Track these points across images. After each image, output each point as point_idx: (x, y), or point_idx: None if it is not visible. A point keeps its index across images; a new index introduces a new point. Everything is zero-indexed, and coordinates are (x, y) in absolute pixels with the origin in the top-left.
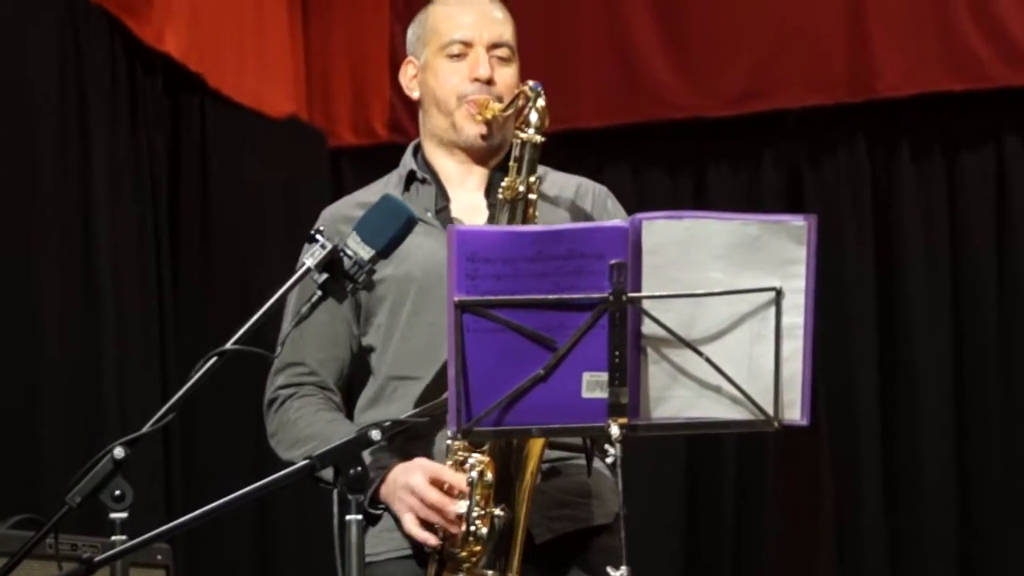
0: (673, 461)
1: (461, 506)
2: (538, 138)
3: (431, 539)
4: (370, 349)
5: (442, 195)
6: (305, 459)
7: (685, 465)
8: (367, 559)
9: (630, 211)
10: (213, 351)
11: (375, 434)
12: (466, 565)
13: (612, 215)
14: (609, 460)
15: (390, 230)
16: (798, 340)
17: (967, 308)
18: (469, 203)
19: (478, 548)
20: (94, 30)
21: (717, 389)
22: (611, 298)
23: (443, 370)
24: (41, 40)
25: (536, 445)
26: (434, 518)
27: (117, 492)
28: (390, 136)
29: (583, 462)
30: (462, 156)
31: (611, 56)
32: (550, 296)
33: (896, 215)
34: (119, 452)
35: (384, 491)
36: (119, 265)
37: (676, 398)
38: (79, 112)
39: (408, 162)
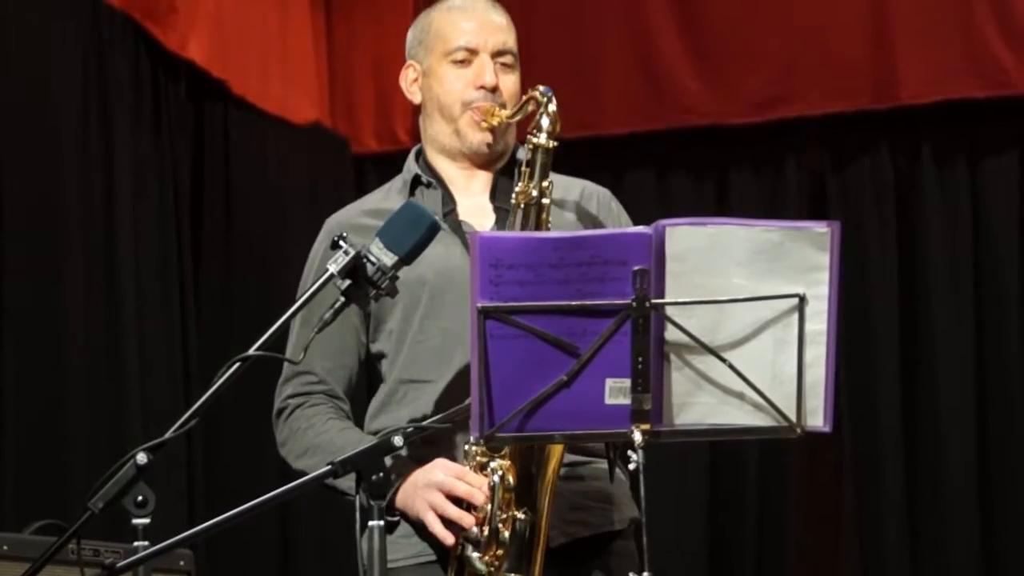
0: (696, 466)
1: (481, 497)
2: (551, 143)
3: (449, 537)
4: (380, 356)
5: (448, 199)
6: (327, 465)
7: (708, 470)
8: (391, 564)
9: (652, 218)
10: (236, 357)
11: (397, 440)
12: (489, 569)
13: (617, 217)
14: (632, 466)
15: (413, 236)
16: (821, 347)
17: (989, 314)
18: (475, 206)
19: (500, 552)
20: (118, 37)
21: (740, 396)
22: (634, 304)
23: (457, 374)
24: (65, 47)
25: (557, 447)
26: (453, 511)
27: (140, 498)
28: (413, 142)
29: (600, 466)
30: (465, 162)
31: (634, 63)
32: (573, 302)
33: (919, 222)
34: (142, 458)
35: (401, 496)
36: (142, 271)
37: (699, 404)
38: (103, 118)
39: (411, 167)
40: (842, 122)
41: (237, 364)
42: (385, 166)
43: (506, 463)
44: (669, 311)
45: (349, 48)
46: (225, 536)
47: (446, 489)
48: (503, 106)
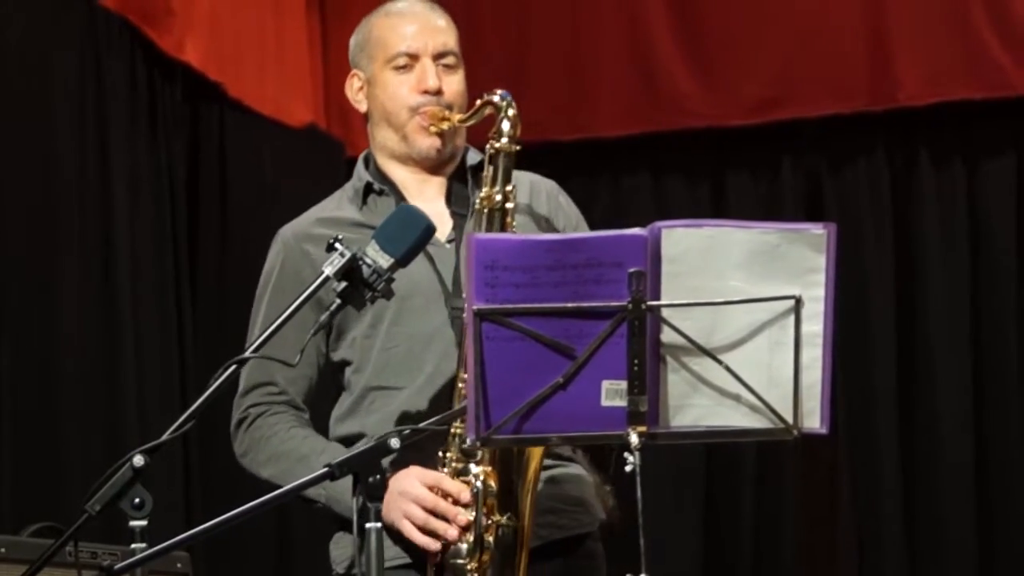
0: (693, 468)
1: (465, 518)
2: (513, 147)
3: (434, 545)
4: (344, 363)
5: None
6: (325, 467)
7: (704, 472)
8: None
9: (649, 220)
10: (232, 359)
11: (394, 442)
12: None
13: (567, 211)
14: (628, 468)
15: (409, 239)
16: (817, 348)
17: (987, 315)
18: (431, 211)
19: (486, 558)
20: (115, 39)
21: (736, 397)
22: (630, 306)
23: (426, 379)
24: (62, 49)
25: (536, 450)
26: (436, 525)
27: (137, 500)
28: None
29: (572, 471)
30: (416, 167)
31: (631, 65)
32: (569, 304)
33: (916, 223)
34: (139, 460)
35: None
36: (138, 273)
37: (695, 406)
38: (99, 121)
39: (362, 174)
40: (839, 124)
41: (233, 366)
42: None
43: (488, 469)
44: (665, 313)
45: (344, 51)
46: (222, 538)
47: (427, 506)
48: (449, 107)
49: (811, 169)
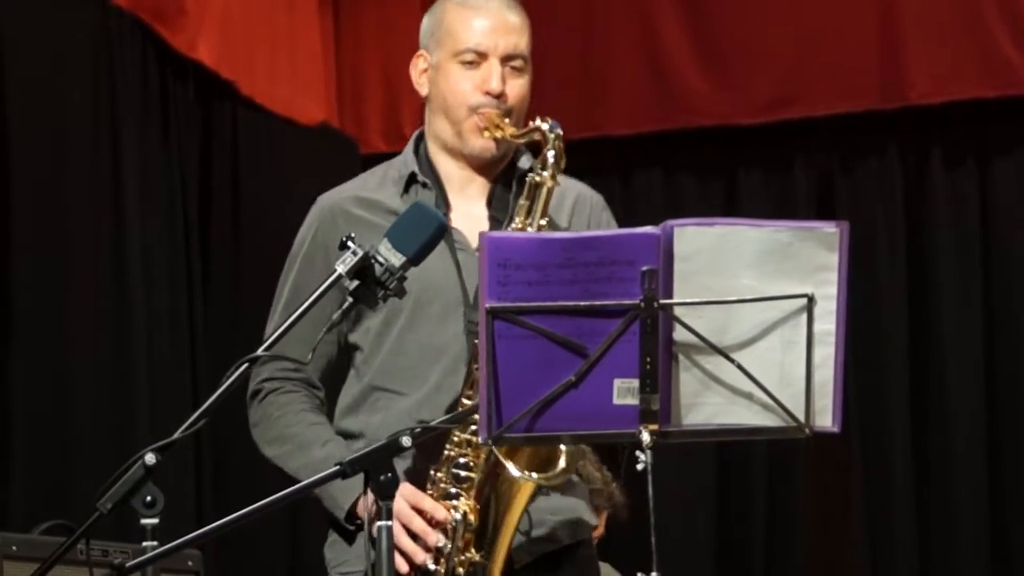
0: (704, 466)
1: (440, 540)
2: (552, 183)
3: (404, 566)
4: (355, 347)
5: (443, 202)
6: (336, 464)
7: (716, 470)
8: (342, 570)
9: (661, 218)
10: (244, 358)
11: (406, 440)
12: None
13: (607, 227)
14: (640, 467)
15: (421, 237)
16: (830, 347)
17: (999, 313)
18: (470, 213)
19: None
20: (127, 38)
21: (748, 396)
22: (642, 304)
23: (430, 390)
24: (74, 47)
25: (524, 494)
26: (407, 545)
27: (148, 498)
28: None
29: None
30: (464, 163)
31: (642, 64)
32: (581, 303)
33: (928, 222)
34: (150, 458)
35: (362, 507)
36: (150, 272)
37: (707, 405)
38: (111, 119)
39: (410, 161)
40: (851, 122)
41: (246, 365)
42: None
43: (471, 503)
44: (677, 311)
45: (357, 49)
46: (234, 536)
47: (403, 520)
48: (508, 112)
49: (823, 167)
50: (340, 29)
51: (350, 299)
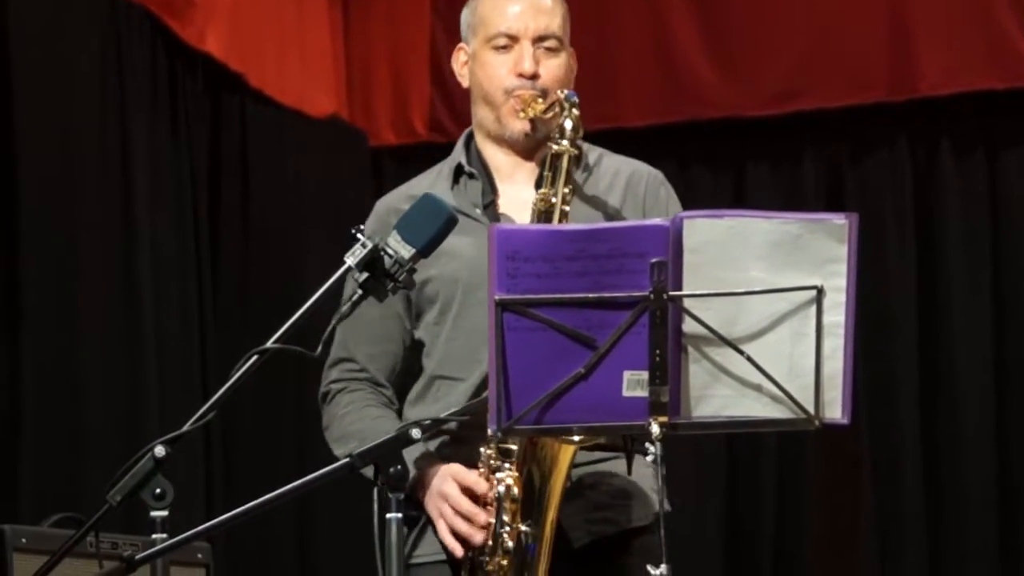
0: (714, 459)
1: (484, 518)
2: (572, 150)
3: (459, 548)
4: (420, 344)
5: (490, 189)
6: (345, 457)
7: (726, 463)
8: (411, 560)
9: None
10: (254, 350)
11: (415, 433)
12: None
13: (665, 204)
14: (649, 458)
15: (430, 229)
16: (839, 338)
17: (1009, 306)
18: (518, 197)
19: (505, 562)
20: (136, 30)
21: (758, 388)
22: (652, 296)
23: (482, 374)
24: (83, 40)
25: (564, 458)
26: (462, 527)
27: (158, 490)
28: (430, 135)
29: (622, 462)
30: (509, 149)
31: (653, 55)
32: (591, 295)
33: (938, 214)
34: (160, 450)
35: (421, 495)
36: (160, 265)
37: (717, 397)
38: (120, 112)
39: (458, 153)
40: (860, 114)
41: (255, 357)
42: (402, 159)
43: (513, 474)
44: (687, 303)
45: (366, 41)
46: (243, 529)
47: (453, 504)
48: (544, 93)
49: (832, 159)
50: (349, 21)
51: (359, 291)
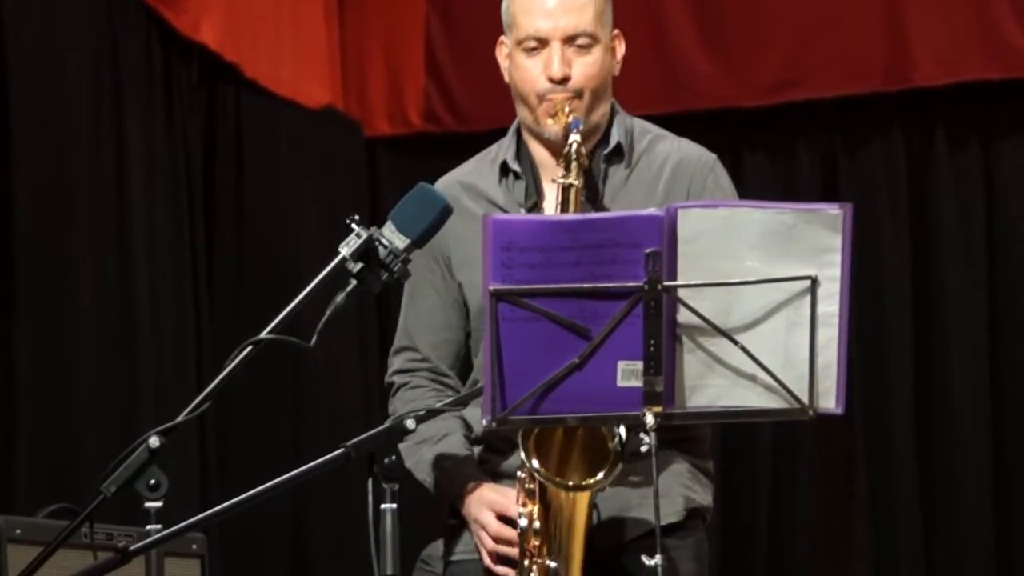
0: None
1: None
2: (577, 181)
3: (510, 573)
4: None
5: (535, 190)
6: (341, 447)
7: (720, 453)
8: (451, 558)
9: None
10: (248, 340)
11: (410, 423)
12: None
13: (712, 194)
14: (644, 448)
15: (425, 219)
16: (833, 328)
17: (1003, 296)
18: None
19: None
20: (130, 20)
21: (752, 378)
22: (646, 287)
23: None
24: (77, 30)
25: (583, 500)
26: (506, 551)
27: (152, 481)
28: (425, 126)
29: (643, 461)
30: (550, 149)
31: (647, 46)
32: (585, 285)
33: (932, 204)
34: (154, 441)
35: (463, 507)
36: (154, 255)
37: (711, 387)
38: (115, 102)
39: (507, 145)
40: (855, 104)
41: (249, 348)
42: (398, 149)
43: (536, 507)
44: (681, 293)
45: (362, 31)
46: (238, 520)
47: (492, 533)
48: (579, 93)
49: (827, 149)
50: (344, 11)
51: (353, 282)
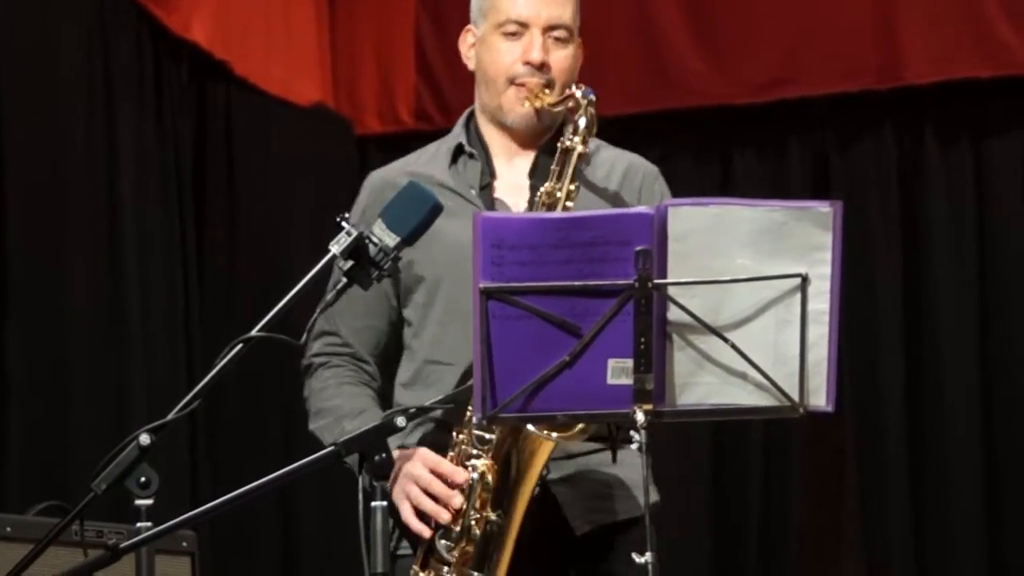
0: (698, 447)
1: (459, 501)
2: (583, 148)
3: (426, 531)
4: (406, 322)
5: (488, 171)
6: (331, 445)
7: (710, 451)
8: (397, 552)
9: None
10: (239, 338)
11: (400, 420)
12: (454, 563)
13: (659, 199)
14: (634, 446)
15: (415, 217)
16: (824, 326)
17: (994, 294)
18: (514, 182)
19: (470, 548)
20: (121, 18)
21: (743, 375)
22: (636, 284)
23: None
24: (68, 28)
25: (542, 454)
26: (429, 505)
27: (143, 479)
28: (416, 123)
29: (620, 452)
30: (509, 134)
31: (638, 43)
32: (575, 282)
33: (923, 202)
34: (145, 439)
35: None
36: (146, 253)
37: (702, 384)
38: (106, 100)
39: (458, 133)
40: (846, 102)
41: (240, 345)
42: (388, 147)
43: (489, 463)
44: (672, 291)
45: (352, 28)
46: (228, 517)
47: (423, 485)
48: (550, 83)
49: (818, 147)
50: (335, 8)
51: (344, 280)
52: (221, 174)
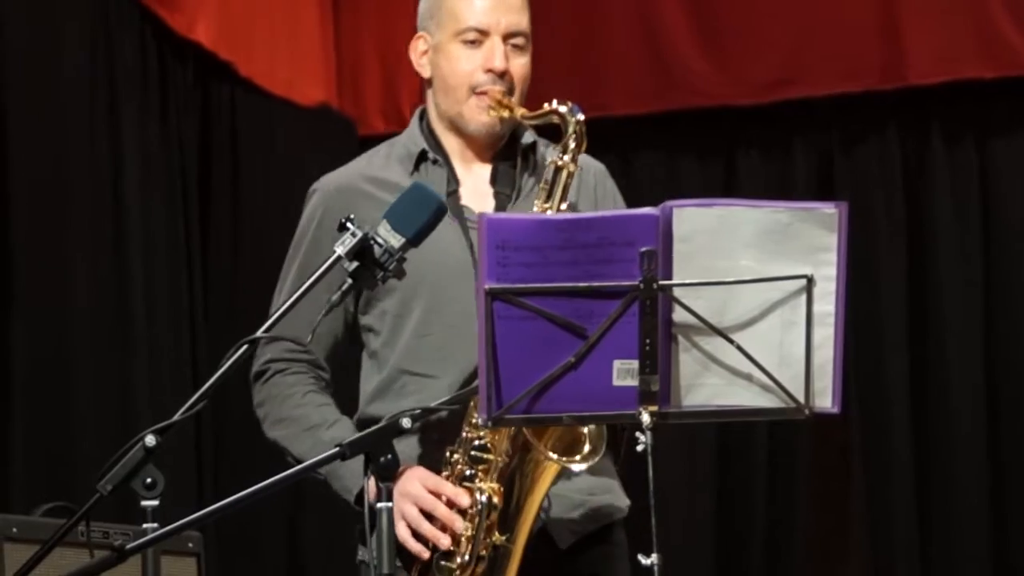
0: (704, 449)
1: (460, 525)
2: (573, 167)
3: (424, 552)
4: (369, 329)
5: (453, 179)
6: (336, 446)
7: (716, 453)
8: (365, 557)
9: (660, 199)
10: (244, 339)
11: (406, 422)
12: None
13: (613, 196)
14: (640, 448)
15: (421, 218)
16: (829, 327)
17: (999, 294)
18: (476, 189)
19: (480, 570)
20: (125, 19)
21: (748, 377)
22: (642, 286)
23: (460, 372)
24: (72, 29)
25: (547, 478)
26: (427, 530)
27: (148, 480)
28: None
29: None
30: (467, 141)
31: (642, 44)
32: (580, 284)
33: (927, 202)
34: (151, 440)
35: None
36: (150, 254)
37: (707, 386)
38: (110, 102)
39: (417, 138)
40: (850, 103)
41: (245, 346)
42: None
43: (495, 486)
44: (677, 292)
45: (356, 28)
46: (234, 518)
47: (425, 507)
48: (511, 91)
49: (822, 148)
50: (339, 9)
51: (349, 280)
52: (225, 174)
